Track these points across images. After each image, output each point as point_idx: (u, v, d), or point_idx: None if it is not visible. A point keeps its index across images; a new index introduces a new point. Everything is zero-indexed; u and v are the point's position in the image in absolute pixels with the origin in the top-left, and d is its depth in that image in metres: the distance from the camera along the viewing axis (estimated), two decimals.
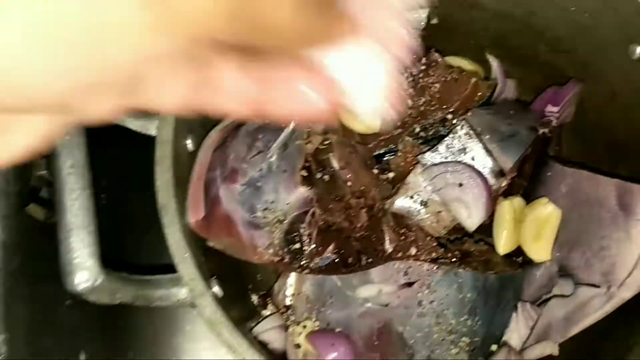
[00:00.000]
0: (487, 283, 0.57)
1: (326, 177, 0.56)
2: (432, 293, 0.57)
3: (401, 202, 0.56)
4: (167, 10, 0.17)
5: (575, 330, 0.53)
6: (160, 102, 0.22)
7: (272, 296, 0.62)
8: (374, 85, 0.26)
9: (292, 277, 0.61)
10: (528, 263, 0.57)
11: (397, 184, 0.57)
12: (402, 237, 0.55)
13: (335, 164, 0.56)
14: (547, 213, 0.56)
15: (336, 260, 0.54)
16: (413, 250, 0.55)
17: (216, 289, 0.49)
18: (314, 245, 0.53)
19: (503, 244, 0.56)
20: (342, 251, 0.54)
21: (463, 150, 0.56)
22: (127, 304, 0.47)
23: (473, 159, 0.56)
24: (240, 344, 0.45)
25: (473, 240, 0.57)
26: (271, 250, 0.53)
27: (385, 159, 0.60)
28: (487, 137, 0.56)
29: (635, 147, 0.55)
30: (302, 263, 0.53)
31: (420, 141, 0.60)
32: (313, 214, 0.54)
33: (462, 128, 0.57)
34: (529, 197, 0.58)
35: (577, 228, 0.55)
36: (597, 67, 0.56)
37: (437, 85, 0.60)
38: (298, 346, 0.58)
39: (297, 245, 0.53)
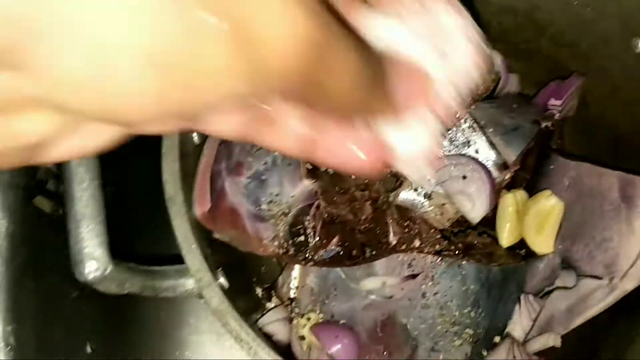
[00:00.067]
0: (490, 275, 0.58)
1: (330, 170, 0.56)
2: (435, 285, 0.58)
3: (405, 195, 0.56)
4: (256, 62, 0.19)
5: (577, 322, 0.54)
6: (219, 129, 0.24)
7: (277, 289, 0.62)
8: (419, 150, 0.28)
9: (296, 270, 0.61)
10: (531, 255, 0.58)
11: (401, 177, 0.57)
12: (406, 230, 0.55)
13: None
14: (549, 205, 0.56)
15: (340, 253, 0.54)
16: (417, 243, 0.55)
17: (222, 280, 0.49)
18: (319, 238, 0.53)
19: (506, 237, 0.57)
20: (346, 244, 0.54)
21: (467, 143, 0.57)
22: (134, 295, 0.47)
23: (477, 152, 0.56)
24: (247, 333, 0.45)
25: (476, 233, 0.57)
26: (276, 243, 0.53)
27: None
28: (491, 130, 0.57)
29: (637, 140, 0.56)
30: (306, 255, 0.53)
31: None
32: (318, 206, 0.54)
33: (465, 121, 0.57)
34: (532, 190, 0.58)
35: (580, 220, 0.55)
36: (600, 60, 0.56)
37: None
38: (302, 338, 0.58)
39: (302, 238, 0.53)
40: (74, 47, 0.16)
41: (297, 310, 0.60)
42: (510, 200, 0.56)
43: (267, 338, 0.57)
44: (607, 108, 0.58)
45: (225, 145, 0.55)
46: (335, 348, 0.56)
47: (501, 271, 0.58)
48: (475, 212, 0.56)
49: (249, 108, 0.23)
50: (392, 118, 0.26)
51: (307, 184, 0.54)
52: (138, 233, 0.66)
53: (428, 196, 0.56)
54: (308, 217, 0.54)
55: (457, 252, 0.55)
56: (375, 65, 0.24)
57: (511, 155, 0.56)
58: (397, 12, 0.26)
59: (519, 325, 0.57)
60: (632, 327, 0.51)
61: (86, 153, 0.21)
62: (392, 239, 0.55)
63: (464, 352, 0.58)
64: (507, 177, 0.57)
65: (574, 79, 0.59)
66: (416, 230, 0.55)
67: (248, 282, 0.63)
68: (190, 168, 0.52)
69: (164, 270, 0.47)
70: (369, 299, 0.59)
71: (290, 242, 0.53)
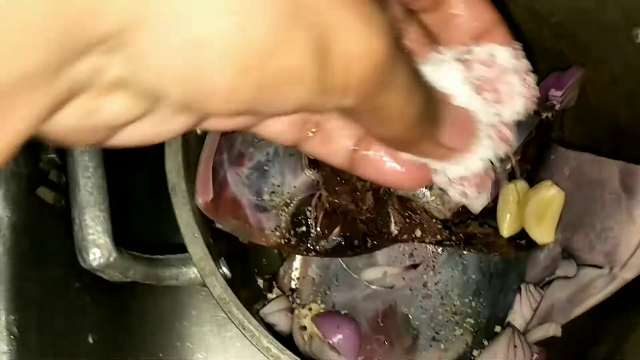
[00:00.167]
0: (491, 265, 0.58)
1: None
2: (436, 275, 0.58)
3: None
4: (332, 75, 0.20)
5: (578, 311, 0.54)
6: (273, 132, 0.26)
7: (278, 279, 0.62)
8: (465, 173, 0.29)
9: (298, 261, 0.62)
10: (531, 245, 0.58)
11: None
12: (408, 220, 0.56)
13: None
14: (550, 195, 0.56)
15: (342, 243, 0.54)
16: (418, 233, 0.55)
17: (225, 269, 0.49)
18: (320, 228, 0.54)
19: (507, 227, 0.57)
20: (348, 234, 0.54)
21: None
22: (136, 286, 0.48)
23: None
24: (250, 321, 0.45)
25: (477, 223, 0.57)
26: (278, 233, 0.53)
27: None
28: None
29: (638, 131, 0.56)
30: (308, 246, 0.54)
31: None
32: (319, 197, 0.54)
33: None
34: (533, 180, 0.58)
35: (580, 210, 0.55)
36: (600, 51, 0.56)
37: None
38: (304, 328, 0.59)
39: (304, 228, 0.54)
40: (173, 38, 0.17)
41: (298, 300, 0.60)
42: (511, 191, 0.57)
43: (269, 328, 0.57)
44: (607, 99, 0.58)
45: (227, 136, 0.55)
46: (337, 338, 0.56)
47: (502, 261, 0.58)
48: (477, 202, 0.56)
49: (307, 118, 0.25)
50: (439, 158, 0.27)
51: (309, 175, 0.55)
52: (141, 222, 0.66)
53: (429, 186, 0.57)
54: (310, 208, 0.54)
55: (458, 242, 0.55)
56: (433, 106, 0.25)
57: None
58: (461, 56, 0.28)
59: (519, 314, 0.58)
60: (633, 316, 0.52)
61: (155, 140, 0.22)
62: (394, 229, 0.55)
63: (464, 342, 0.58)
64: (508, 167, 0.57)
65: (574, 70, 0.60)
66: (417, 220, 0.56)
67: (249, 273, 0.63)
68: (193, 158, 0.52)
69: (167, 258, 0.47)
70: (370, 289, 0.59)
71: (292, 232, 0.53)
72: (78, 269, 0.44)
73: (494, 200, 0.57)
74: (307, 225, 0.54)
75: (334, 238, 0.54)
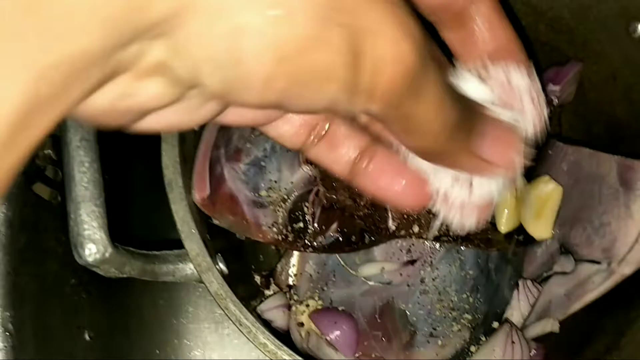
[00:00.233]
0: (489, 260, 0.58)
1: None
2: (434, 270, 0.58)
3: None
4: (363, 77, 0.20)
5: (575, 307, 0.54)
6: (284, 131, 0.26)
7: (275, 276, 0.62)
8: (471, 198, 0.29)
9: (295, 257, 0.61)
10: (529, 241, 0.58)
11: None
12: (405, 216, 0.55)
13: None
14: (548, 190, 0.56)
15: (339, 239, 0.54)
16: (416, 228, 0.55)
17: (221, 265, 0.49)
18: (317, 224, 0.54)
19: (504, 222, 0.56)
20: (345, 230, 0.54)
21: None
22: (133, 283, 0.47)
23: None
24: (247, 318, 0.45)
25: None
26: (275, 229, 0.53)
27: None
28: None
29: (636, 126, 0.56)
30: (305, 242, 0.54)
31: None
32: (317, 192, 0.54)
33: None
34: (531, 175, 0.58)
35: (578, 205, 0.55)
36: (598, 46, 0.56)
37: None
38: (301, 325, 0.59)
39: (301, 224, 0.53)
40: (217, 26, 0.18)
41: (295, 297, 0.60)
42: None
43: (267, 325, 0.57)
44: (605, 93, 0.58)
45: (224, 131, 0.55)
46: (334, 334, 0.56)
47: (499, 257, 0.58)
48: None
49: (319, 122, 0.26)
50: (474, 171, 0.27)
51: (306, 170, 0.54)
52: (137, 217, 0.66)
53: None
54: (307, 204, 0.54)
55: (455, 237, 0.55)
56: (467, 117, 0.25)
57: None
58: (480, 74, 0.28)
59: (517, 310, 0.58)
60: (630, 312, 0.52)
61: (176, 129, 0.23)
62: (391, 225, 0.55)
63: (462, 338, 0.58)
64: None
65: (572, 64, 0.59)
66: (415, 216, 0.55)
67: (246, 270, 0.63)
68: (189, 153, 0.52)
69: (163, 254, 0.47)
70: (368, 285, 0.59)
71: (289, 228, 0.53)
72: (74, 266, 0.44)
73: None
74: (305, 222, 0.53)
75: (332, 234, 0.54)
